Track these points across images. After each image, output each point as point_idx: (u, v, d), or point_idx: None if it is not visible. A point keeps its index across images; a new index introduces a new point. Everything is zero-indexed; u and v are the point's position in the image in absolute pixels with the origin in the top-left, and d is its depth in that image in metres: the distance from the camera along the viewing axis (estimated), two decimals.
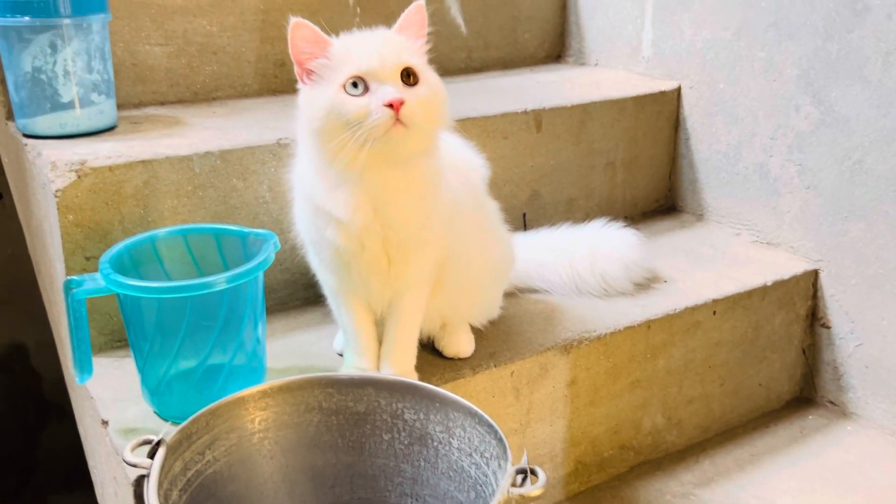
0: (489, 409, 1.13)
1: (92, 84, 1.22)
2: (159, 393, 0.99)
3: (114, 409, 1.03)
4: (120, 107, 1.39)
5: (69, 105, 1.21)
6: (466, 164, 1.11)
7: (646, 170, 1.66)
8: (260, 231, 1.04)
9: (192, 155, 1.16)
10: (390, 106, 0.85)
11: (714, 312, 1.33)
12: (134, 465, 0.77)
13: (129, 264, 1.02)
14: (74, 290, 0.93)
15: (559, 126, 1.51)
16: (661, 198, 1.70)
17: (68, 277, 0.94)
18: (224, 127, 1.30)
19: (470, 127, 1.39)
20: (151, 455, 0.79)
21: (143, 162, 1.13)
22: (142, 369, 0.99)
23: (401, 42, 0.91)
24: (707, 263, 1.45)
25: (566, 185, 1.56)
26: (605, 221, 1.40)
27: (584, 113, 1.53)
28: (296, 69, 0.91)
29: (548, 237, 1.39)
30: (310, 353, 1.15)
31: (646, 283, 1.36)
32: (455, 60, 1.76)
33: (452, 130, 1.09)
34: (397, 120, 0.86)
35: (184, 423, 0.84)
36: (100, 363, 1.09)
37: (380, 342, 1.06)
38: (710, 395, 1.38)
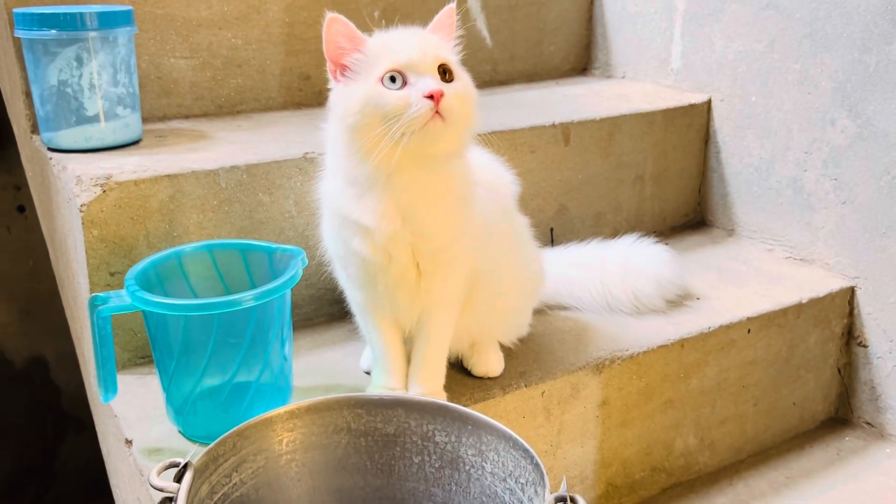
0: (519, 429, 1.10)
1: (117, 97, 1.21)
2: (184, 412, 0.97)
3: (138, 427, 1.01)
4: (145, 120, 1.38)
5: (94, 119, 1.19)
6: (496, 179, 1.09)
7: (675, 183, 1.63)
8: (287, 247, 1.02)
9: (218, 169, 1.15)
10: (430, 97, 0.84)
11: (748, 331, 1.30)
12: (160, 490, 0.75)
13: (155, 280, 1.00)
14: (100, 307, 0.91)
15: (587, 139, 1.48)
16: (690, 212, 1.67)
17: (93, 294, 0.92)
18: (249, 141, 1.28)
19: (497, 140, 1.36)
20: (178, 478, 0.76)
21: (168, 176, 1.11)
22: (167, 388, 0.97)
23: (436, 39, 0.90)
24: (740, 280, 1.42)
25: (594, 200, 1.53)
26: (635, 237, 1.37)
27: (613, 126, 1.51)
28: (329, 67, 0.90)
29: (577, 253, 1.36)
30: (335, 371, 1.13)
31: (678, 301, 1.33)
32: (480, 73, 1.74)
33: (480, 144, 1.07)
34: (436, 112, 0.84)
35: (211, 445, 0.82)
36: (124, 380, 1.08)
37: (408, 360, 1.03)
38: (744, 415, 1.34)
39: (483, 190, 1.01)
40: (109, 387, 0.94)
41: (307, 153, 1.21)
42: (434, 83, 0.85)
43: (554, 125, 1.44)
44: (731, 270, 1.46)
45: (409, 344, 1.04)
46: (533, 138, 1.43)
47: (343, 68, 0.89)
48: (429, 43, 0.88)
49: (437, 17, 0.92)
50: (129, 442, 0.99)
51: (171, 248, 1.03)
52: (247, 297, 0.91)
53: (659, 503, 1.26)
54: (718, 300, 1.34)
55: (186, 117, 1.43)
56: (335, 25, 0.88)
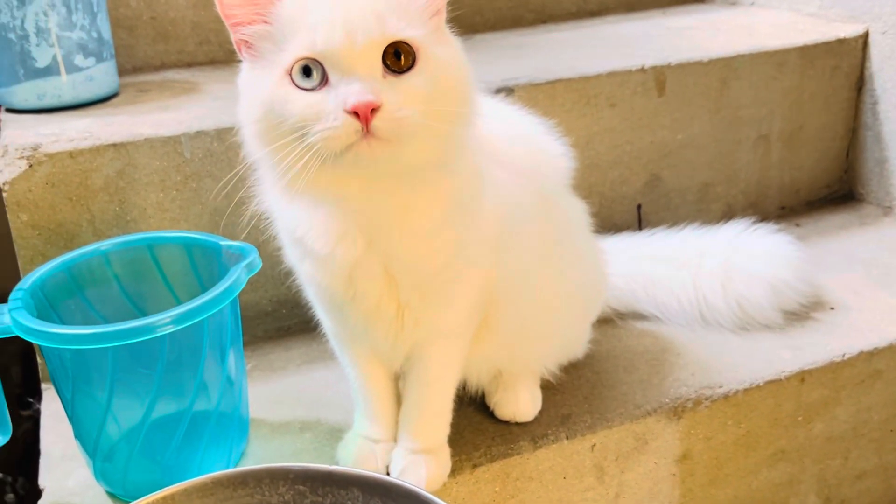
0: (558, 493, 0.81)
1: (76, 44, 0.97)
2: (97, 458, 0.75)
3: (56, 471, 0.80)
4: (138, 70, 1.15)
5: (46, 71, 0.97)
6: (533, 153, 0.77)
7: (813, 145, 1.24)
8: (235, 244, 0.76)
9: (179, 135, 0.90)
10: (355, 113, 0.54)
11: None
12: None
13: (72, 286, 0.77)
14: None
15: (690, 88, 1.13)
16: (833, 182, 1.28)
17: None
18: None
19: (561, 92, 1.04)
20: None
21: (114, 146, 0.88)
22: (73, 424, 0.74)
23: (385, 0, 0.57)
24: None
25: (699, 167, 1.18)
26: (748, 222, 1.02)
27: (727, 69, 1.14)
28: (231, 36, 0.60)
29: (666, 242, 1.02)
30: (321, 399, 0.87)
31: (802, 312, 0.98)
32: (564, 2, 1.40)
33: (522, 102, 0.76)
34: (368, 132, 0.54)
35: None
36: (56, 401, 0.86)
37: (399, 402, 0.76)
38: (891, 467, 0.99)
39: (507, 173, 0.71)
40: None
41: None
42: (360, 91, 0.54)
43: (643, 69, 1.10)
44: (885, 267, 1.08)
45: (403, 378, 0.76)
46: (613, 87, 1.09)
47: (246, 44, 0.59)
48: (368, 11, 0.55)
49: None
50: (39, 491, 0.78)
51: (92, 244, 0.79)
52: (161, 322, 0.66)
53: None
54: (861, 311, 0.98)
55: (189, 66, 1.19)
56: None
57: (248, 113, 0.60)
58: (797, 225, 1.21)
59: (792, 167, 1.24)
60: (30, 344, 0.92)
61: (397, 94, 0.55)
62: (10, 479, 1.45)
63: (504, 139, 0.73)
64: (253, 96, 0.59)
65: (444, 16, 0.60)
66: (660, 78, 1.11)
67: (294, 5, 0.57)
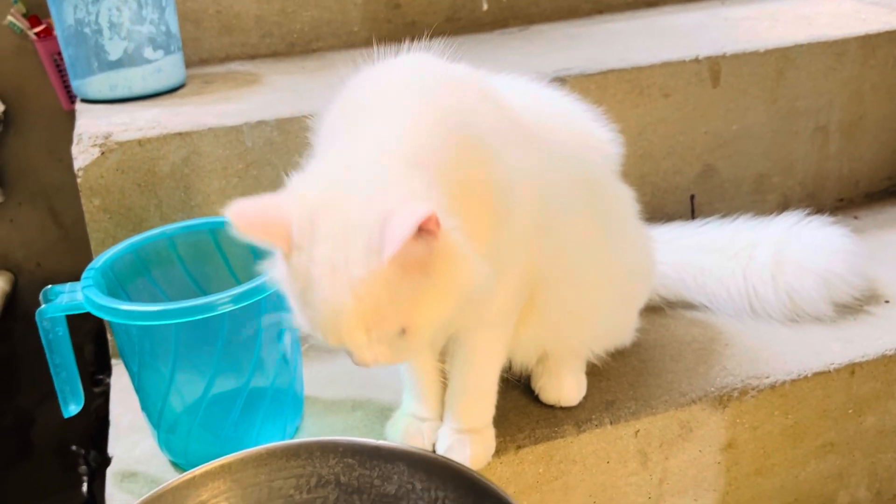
0: (602, 477, 0.83)
1: (146, 38, 1.02)
2: (162, 429, 0.79)
3: (124, 441, 0.84)
4: (204, 62, 1.20)
5: (118, 63, 1.02)
6: (578, 138, 0.78)
7: (874, 136, 1.22)
8: None
9: (241, 125, 0.94)
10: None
11: None
12: None
13: (140, 267, 0.82)
14: (45, 306, 0.73)
15: (746, 78, 1.12)
16: (894, 174, 1.26)
17: (45, 288, 0.75)
18: (299, 88, 1.06)
19: (613, 83, 1.05)
20: None
21: (180, 135, 0.92)
22: (140, 397, 0.79)
23: (381, 310, 0.56)
24: None
25: (754, 158, 1.17)
26: (802, 214, 1.01)
27: (784, 59, 1.13)
28: None
29: (717, 232, 1.02)
30: (373, 380, 0.90)
31: (855, 305, 0.97)
32: None
33: (575, 91, 0.78)
34: None
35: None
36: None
37: (445, 382, 0.78)
38: None
39: (547, 158, 0.72)
40: (68, 398, 0.77)
41: None
42: (359, 355, 0.59)
43: (698, 59, 1.09)
44: None
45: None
46: (667, 78, 1.09)
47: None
48: (356, 325, 0.56)
49: (397, 244, 0.52)
50: (108, 460, 0.83)
51: (159, 227, 0.84)
52: (221, 300, 0.70)
53: None
54: None
55: (252, 58, 1.23)
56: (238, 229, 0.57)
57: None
58: (855, 217, 1.20)
59: (851, 158, 1.22)
60: (102, 324, 0.97)
61: (389, 353, 0.60)
62: (83, 451, 1.52)
63: (547, 125, 0.74)
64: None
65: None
66: (714, 68, 1.10)
67: (302, 263, 0.59)
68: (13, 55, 1.25)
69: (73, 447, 1.52)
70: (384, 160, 0.60)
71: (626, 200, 0.85)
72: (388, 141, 0.61)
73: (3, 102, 1.25)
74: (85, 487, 1.48)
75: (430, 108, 0.64)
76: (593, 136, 0.81)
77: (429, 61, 0.71)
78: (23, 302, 1.40)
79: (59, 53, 1.11)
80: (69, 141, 0.93)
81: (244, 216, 0.57)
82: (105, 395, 1.07)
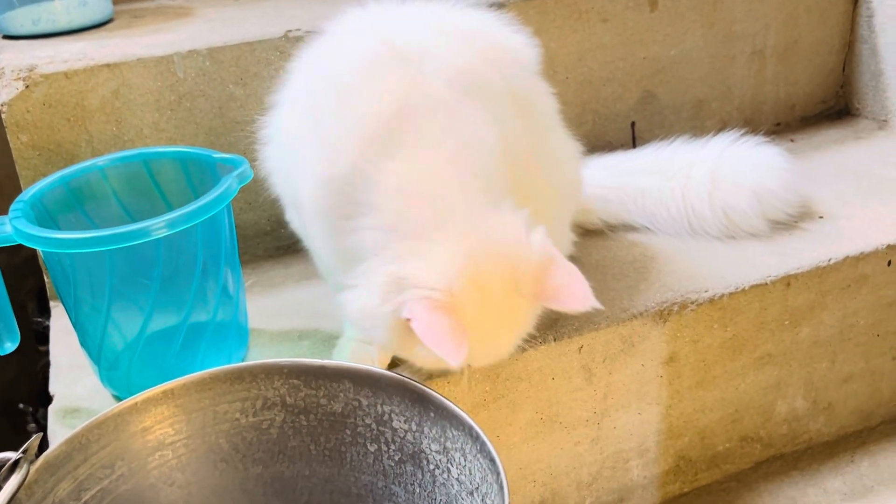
0: (547, 393, 0.84)
1: None
2: (103, 365, 0.78)
3: (64, 379, 0.83)
4: None
5: None
6: (494, 49, 0.76)
7: (808, 59, 1.24)
8: (228, 156, 0.78)
9: (172, 55, 0.91)
10: None
11: (889, 263, 0.95)
12: None
13: (71, 200, 0.79)
14: None
15: (683, 2, 1.12)
16: (829, 97, 1.28)
17: None
18: (232, 18, 1.03)
19: (552, 7, 1.04)
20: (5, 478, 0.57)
21: (108, 66, 0.89)
22: (79, 333, 0.77)
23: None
24: (886, 192, 1.05)
25: (693, 83, 1.18)
26: (737, 135, 1.02)
27: None
28: None
29: (656, 156, 1.03)
30: (319, 311, 0.90)
31: (790, 222, 0.99)
32: None
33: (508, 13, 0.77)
34: None
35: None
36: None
37: None
38: (877, 371, 1.01)
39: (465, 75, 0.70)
40: (3, 334, 0.76)
41: (290, 31, 0.95)
42: None
43: None
44: (877, 178, 1.09)
45: None
46: (605, 2, 1.09)
47: None
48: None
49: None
50: (50, 398, 0.81)
51: (90, 160, 0.81)
52: (156, 226, 0.69)
53: (748, 482, 0.97)
54: (849, 220, 0.99)
55: None
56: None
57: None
58: (791, 140, 1.22)
59: (787, 82, 1.24)
60: (44, 281, 0.94)
61: None
62: (30, 409, 1.50)
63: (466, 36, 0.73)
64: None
65: None
66: None
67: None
68: None
69: (21, 405, 1.50)
70: (473, 201, 0.64)
71: (548, 104, 0.83)
72: (454, 174, 0.65)
73: None
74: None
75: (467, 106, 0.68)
76: (506, 45, 0.79)
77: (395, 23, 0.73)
78: None
79: None
80: None
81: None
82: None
